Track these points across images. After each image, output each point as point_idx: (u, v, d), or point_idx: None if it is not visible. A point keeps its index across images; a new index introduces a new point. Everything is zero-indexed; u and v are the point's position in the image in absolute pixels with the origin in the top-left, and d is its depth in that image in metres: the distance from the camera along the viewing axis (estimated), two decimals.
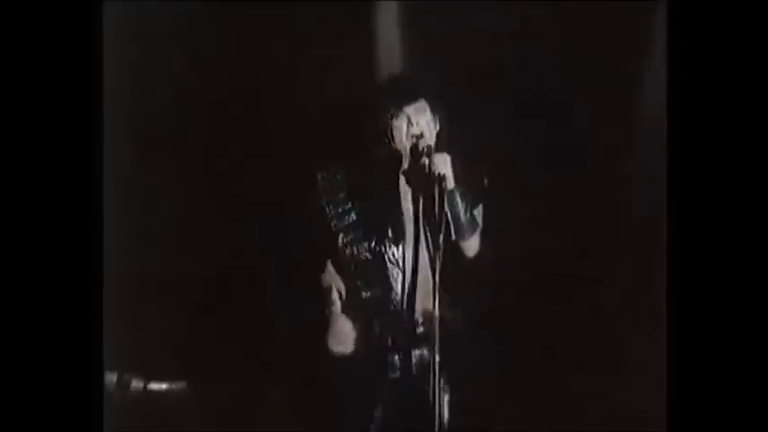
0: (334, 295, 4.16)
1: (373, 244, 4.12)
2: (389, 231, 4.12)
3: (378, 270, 4.12)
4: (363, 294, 4.15)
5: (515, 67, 5.29)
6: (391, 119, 4.07)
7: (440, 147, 4.08)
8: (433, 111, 4.10)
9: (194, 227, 5.38)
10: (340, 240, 4.14)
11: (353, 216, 4.13)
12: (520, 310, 5.29)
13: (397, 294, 4.12)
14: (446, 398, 3.99)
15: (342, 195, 4.14)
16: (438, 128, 4.12)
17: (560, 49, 5.25)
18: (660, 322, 3.75)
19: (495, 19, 5.20)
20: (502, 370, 5.20)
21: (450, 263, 4.09)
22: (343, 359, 4.12)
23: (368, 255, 4.13)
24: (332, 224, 4.13)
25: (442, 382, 3.90)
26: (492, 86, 5.24)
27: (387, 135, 4.10)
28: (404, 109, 4.06)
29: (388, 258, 4.13)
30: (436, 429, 3.87)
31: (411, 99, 4.07)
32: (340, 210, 4.14)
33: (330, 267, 4.21)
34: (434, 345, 3.88)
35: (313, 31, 5.26)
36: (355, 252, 4.13)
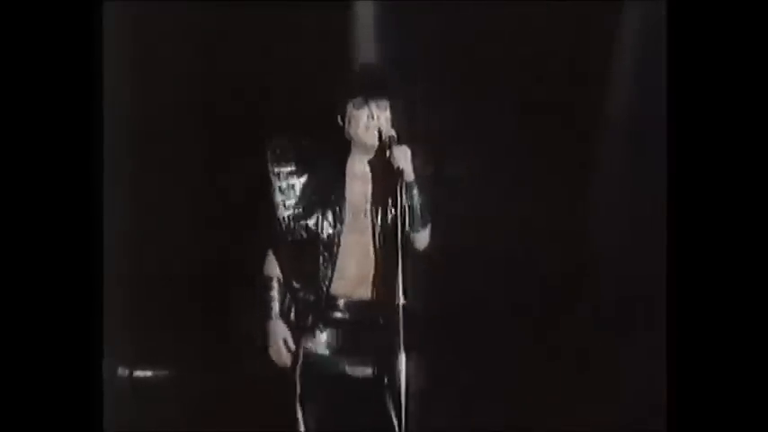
0: (274, 292, 4.21)
1: (312, 225, 4.16)
2: (329, 216, 4.16)
3: (313, 254, 4.16)
4: (294, 284, 4.20)
5: (515, 67, 5.30)
6: (353, 108, 4.15)
7: (406, 140, 4.13)
8: (394, 108, 4.17)
9: (195, 226, 5.38)
10: (278, 214, 4.18)
11: (296, 192, 4.18)
12: (519, 309, 5.30)
13: (326, 281, 4.15)
14: (409, 396, 3.96)
15: (289, 169, 4.18)
16: (394, 127, 4.17)
17: (547, 48, 5.26)
18: (660, 322, 3.75)
19: (480, 17, 5.21)
20: (500, 370, 5.21)
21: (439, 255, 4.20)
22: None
23: (304, 235, 4.16)
24: (274, 196, 4.18)
25: (406, 378, 3.89)
26: (483, 86, 5.25)
27: (343, 121, 4.17)
28: (368, 102, 4.14)
29: (323, 243, 4.16)
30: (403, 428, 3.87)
31: (376, 94, 4.15)
32: (284, 184, 4.18)
33: (271, 256, 4.24)
34: (399, 337, 3.88)
35: (311, 31, 5.27)
36: (292, 230, 4.17)
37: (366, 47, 5.30)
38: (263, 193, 5.19)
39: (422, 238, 4.21)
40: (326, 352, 4.16)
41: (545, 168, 5.34)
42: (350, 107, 4.16)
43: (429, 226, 4.22)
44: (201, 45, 5.31)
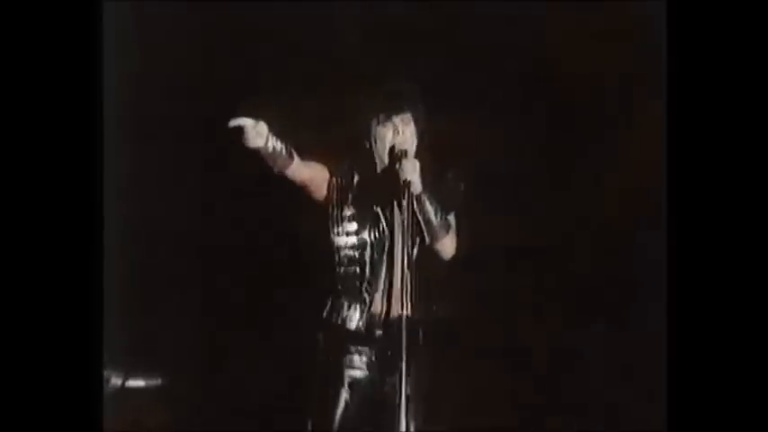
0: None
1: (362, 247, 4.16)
2: (373, 233, 4.16)
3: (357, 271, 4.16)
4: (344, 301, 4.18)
5: (513, 66, 5.30)
6: (377, 125, 4.11)
7: (418, 151, 4.12)
8: (416, 122, 4.14)
9: (195, 226, 5.38)
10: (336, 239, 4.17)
11: (350, 218, 4.18)
12: (518, 308, 5.31)
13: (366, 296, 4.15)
14: (411, 400, 3.91)
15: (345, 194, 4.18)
16: (416, 141, 4.14)
17: (546, 48, 5.26)
18: (660, 321, 3.75)
19: (478, 17, 5.21)
20: (500, 370, 5.21)
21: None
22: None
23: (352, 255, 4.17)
24: (335, 218, 4.17)
25: (408, 384, 3.86)
26: (481, 86, 5.26)
27: (369, 140, 4.14)
28: (392, 118, 4.10)
29: (361, 259, 4.17)
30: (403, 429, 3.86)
31: (399, 109, 4.11)
32: (340, 209, 4.18)
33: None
34: (401, 348, 3.84)
35: (311, 29, 5.27)
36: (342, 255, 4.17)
37: (365, 46, 5.31)
38: (265, 191, 5.21)
39: (446, 247, 4.18)
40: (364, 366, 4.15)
41: (544, 168, 5.34)
42: (373, 125, 4.13)
43: (452, 233, 4.18)
44: (202, 45, 5.31)
